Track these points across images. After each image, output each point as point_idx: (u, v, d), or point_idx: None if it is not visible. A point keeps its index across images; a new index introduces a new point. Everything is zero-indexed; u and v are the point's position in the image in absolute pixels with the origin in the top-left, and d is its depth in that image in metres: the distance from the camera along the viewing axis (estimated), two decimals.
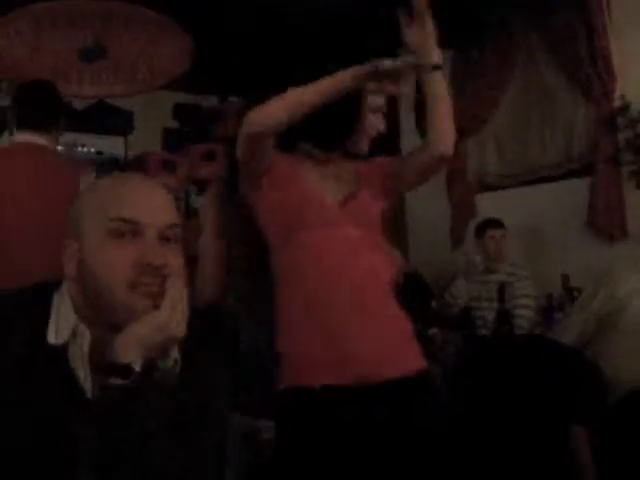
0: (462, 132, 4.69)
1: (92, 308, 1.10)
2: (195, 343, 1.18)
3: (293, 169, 1.81)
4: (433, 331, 3.51)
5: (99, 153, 4.61)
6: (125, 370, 1.02)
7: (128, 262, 1.06)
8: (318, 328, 1.69)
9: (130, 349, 1.03)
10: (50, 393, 1.07)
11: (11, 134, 2.78)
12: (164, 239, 1.10)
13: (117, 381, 1.02)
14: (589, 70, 3.85)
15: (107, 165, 4.51)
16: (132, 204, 1.09)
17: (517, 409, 2.15)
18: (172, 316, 1.06)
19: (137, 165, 4.86)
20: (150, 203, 1.11)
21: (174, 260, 1.10)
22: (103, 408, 1.03)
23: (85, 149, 4.59)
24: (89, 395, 1.10)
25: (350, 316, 1.69)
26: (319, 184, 1.81)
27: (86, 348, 1.10)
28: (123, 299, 1.06)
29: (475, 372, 2.33)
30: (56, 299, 1.14)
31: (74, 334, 1.10)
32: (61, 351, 1.10)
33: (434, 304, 4.07)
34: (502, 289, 3.30)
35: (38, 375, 1.08)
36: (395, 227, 4.79)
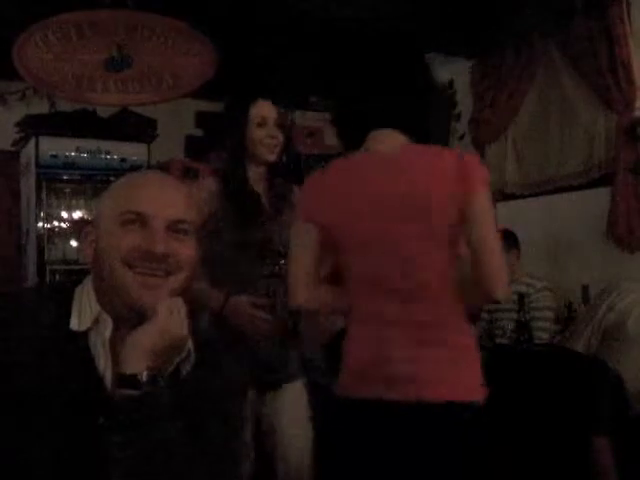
0: (481, 141, 4.73)
1: (106, 294, 1.15)
2: (208, 344, 1.23)
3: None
4: None
5: (123, 160, 4.65)
6: (132, 380, 1.06)
7: (130, 245, 1.13)
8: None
9: (134, 359, 1.08)
10: (70, 382, 1.10)
11: None
12: (173, 231, 1.16)
13: (127, 392, 1.06)
14: (609, 80, 3.83)
15: (131, 171, 4.55)
16: (140, 197, 1.16)
17: (538, 419, 2.14)
18: (170, 319, 1.10)
19: (160, 171, 4.89)
20: (158, 196, 1.17)
21: (182, 251, 1.16)
22: (119, 418, 1.06)
23: (109, 156, 4.64)
24: (108, 385, 1.13)
25: None
26: None
27: (108, 335, 1.14)
28: (120, 277, 1.12)
29: (496, 381, 2.33)
30: (77, 291, 1.19)
31: (97, 322, 1.15)
32: (82, 338, 1.14)
33: None
34: (522, 299, 3.30)
35: (59, 363, 1.11)
36: None
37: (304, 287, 1.76)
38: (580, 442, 2.08)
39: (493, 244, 1.65)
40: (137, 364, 1.07)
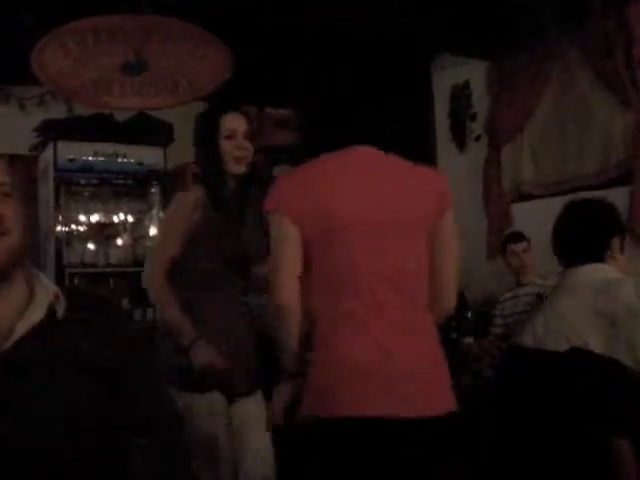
0: (498, 141, 4.71)
1: None
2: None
3: None
4: (468, 340, 3.50)
5: (139, 164, 4.69)
6: None
7: None
8: None
9: None
10: None
11: None
12: None
13: None
14: (626, 78, 3.81)
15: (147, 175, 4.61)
16: None
17: (556, 421, 2.13)
18: None
19: (176, 175, 4.95)
20: None
21: (6, 212, 1.19)
22: None
23: (125, 160, 4.67)
24: None
25: None
26: None
27: None
28: None
29: (513, 383, 2.32)
30: None
31: None
32: None
33: (469, 314, 4.05)
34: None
35: None
36: None
37: (292, 285, 1.70)
38: (600, 444, 2.07)
39: None
40: None
